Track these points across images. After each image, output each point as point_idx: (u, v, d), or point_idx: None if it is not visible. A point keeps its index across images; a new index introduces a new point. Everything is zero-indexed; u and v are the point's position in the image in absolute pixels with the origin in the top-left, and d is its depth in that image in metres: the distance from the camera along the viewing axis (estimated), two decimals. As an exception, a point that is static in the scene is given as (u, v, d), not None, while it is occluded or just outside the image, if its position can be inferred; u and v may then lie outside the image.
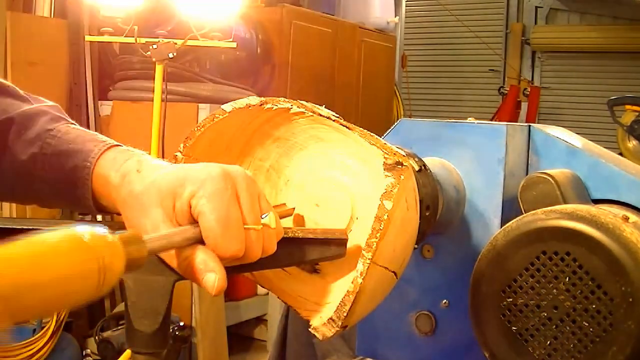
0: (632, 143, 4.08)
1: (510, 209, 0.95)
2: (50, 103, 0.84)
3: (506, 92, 6.37)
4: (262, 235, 0.63)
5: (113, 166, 0.71)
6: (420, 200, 0.76)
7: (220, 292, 0.60)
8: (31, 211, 3.28)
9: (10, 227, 0.64)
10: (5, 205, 3.32)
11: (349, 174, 0.75)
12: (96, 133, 0.79)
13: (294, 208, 0.76)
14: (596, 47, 6.56)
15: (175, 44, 2.78)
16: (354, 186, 0.74)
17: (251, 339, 3.93)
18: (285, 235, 0.66)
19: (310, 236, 0.67)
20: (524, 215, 0.84)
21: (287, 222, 0.75)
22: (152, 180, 0.65)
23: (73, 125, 0.80)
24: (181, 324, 3.03)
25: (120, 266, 0.48)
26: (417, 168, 0.85)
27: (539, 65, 7.02)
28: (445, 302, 0.99)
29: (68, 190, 0.75)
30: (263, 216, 0.63)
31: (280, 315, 1.66)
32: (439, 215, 0.91)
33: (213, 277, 0.60)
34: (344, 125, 0.71)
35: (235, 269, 0.64)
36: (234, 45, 3.00)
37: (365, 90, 4.89)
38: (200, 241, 0.61)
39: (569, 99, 6.83)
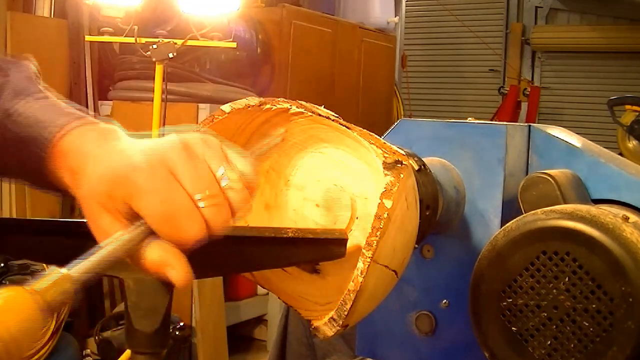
0: (632, 143, 4.08)
1: (510, 209, 0.95)
2: (23, 64, 0.77)
3: (506, 92, 6.37)
4: (222, 200, 0.57)
5: (65, 163, 0.65)
6: (420, 200, 0.76)
7: (185, 285, 0.57)
8: (31, 211, 3.28)
9: (10, 227, 0.64)
10: (6, 205, 3.32)
11: (349, 174, 0.75)
12: (55, 104, 0.71)
13: None
14: (596, 47, 6.56)
15: (175, 44, 2.78)
16: (354, 186, 0.74)
17: (251, 339, 3.93)
18: (285, 235, 0.66)
19: (311, 236, 0.67)
20: (524, 215, 0.84)
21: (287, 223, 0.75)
22: (90, 186, 0.59)
23: (35, 98, 0.72)
24: (181, 324, 3.03)
25: (28, 321, 0.47)
26: (416, 168, 0.85)
27: (539, 65, 7.02)
28: (445, 302, 0.99)
29: (36, 177, 0.70)
30: (219, 173, 0.57)
31: (280, 315, 1.66)
32: (439, 215, 0.91)
33: (174, 273, 0.56)
34: (343, 125, 0.71)
35: (235, 269, 0.64)
36: (234, 45, 2.99)
37: (365, 90, 4.89)
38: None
39: (569, 99, 6.83)
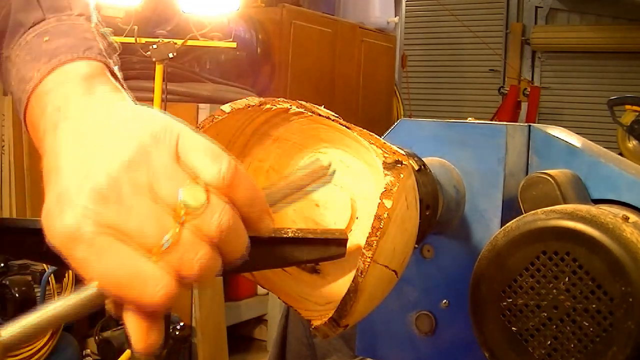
0: (632, 143, 4.09)
1: (510, 209, 0.95)
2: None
3: (506, 92, 6.37)
4: (190, 243, 0.45)
5: (37, 143, 0.56)
6: (420, 200, 0.76)
7: (148, 353, 0.47)
8: (31, 211, 3.28)
9: (10, 227, 0.64)
10: (6, 205, 3.32)
11: (349, 174, 0.75)
12: (44, 40, 0.61)
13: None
14: (596, 47, 6.57)
15: (175, 44, 2.78)
16: (354, 186, 0.74)
17: (251, 339, 3.93)
18: (285, 235, 0.66)
19: (310, 236, 0.67)
20: (524, 215, 0.84)
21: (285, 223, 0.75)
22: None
23: (32, 34, 0.62)
24: (181, 324, 3.03)
25: None
26: (416, 168, 0.85)
27: (539, 65, 7.03)
28: (445, 302, 0.99)
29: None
30: (180, 199, 0.45)
31: (280, 315, 1.66)
32: (439, 215, 0.91)
33: (133, 341, 0.47)
34: (343, 125, 0.71)
35: (233, 270, 0.64)
36: (234, 45, 3.00)
37: (365, 90, 4.89)
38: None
39: (569, 99, 6.84)
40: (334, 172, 0.62)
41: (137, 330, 0.47)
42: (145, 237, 0.45)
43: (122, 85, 0.60)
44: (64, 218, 0.46)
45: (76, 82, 0.55)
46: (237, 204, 0.48)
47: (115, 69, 0.61)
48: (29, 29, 0.63)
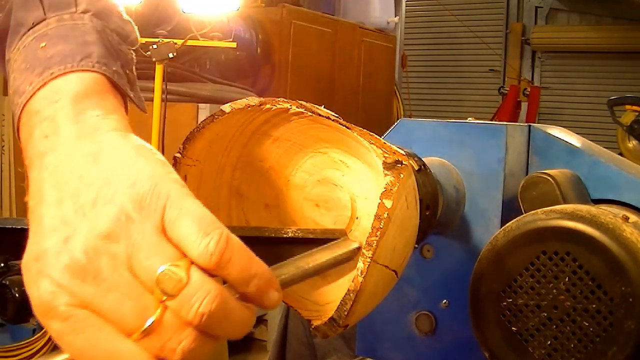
0: (632, 143, 4.09)
1: (510, 209, 0.95)
2: None
3: (506, 92, 6.37)
4: (173, 326, 0.41)
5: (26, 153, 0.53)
6: (420, 200, 0.76)
7: None
8: (31, 211, 3.28)
9: (10, 227, 0.64)
10: (6, 205, 3.32)
11: (349, 174, 0.75)
12: (42, 45, 0.56)
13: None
14: (596, 47, 6.57)
15: (175, 44, 2.78)
16: (354, 186, 0.74)
17: (251, 339, 3.93)
18: (285, 235, 0.66)
19: (310, 236, 0.67)
20: (524, 215, 0.84)
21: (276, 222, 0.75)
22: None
23: (37, 36, 0.58)
24: (181, 324, 3.03)
25: None
26: (416, 168, 0.85)
27: (539, 65, 7.03)
28: (445, 302, 0.99)
29: None
30: (159, 272, 0.41)
31: (280, 315, 1.66)
32: (439, 215, 0.91)
33: None
34: (343, 125, 0.71)
35: None
36: (234, 45, 3.00)
37: (365, 90, 4.89)
38: None
39: (569, 99, 6.84)
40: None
41: None
42: (123, 318, 0.41)
43: (123, 97, 0.57)
44: (40, 286, 0.43)
45: (65, 103, 0.51)
46: (231, 281, 0.43)
47: (117, 76, 0.57)
48: (28, 30, 0.59)
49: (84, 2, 0.60)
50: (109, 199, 0.44)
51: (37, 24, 0.59)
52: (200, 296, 0.41)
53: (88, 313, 0.42)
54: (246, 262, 0.44)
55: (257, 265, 0.45)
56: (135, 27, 0.64)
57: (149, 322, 0.41)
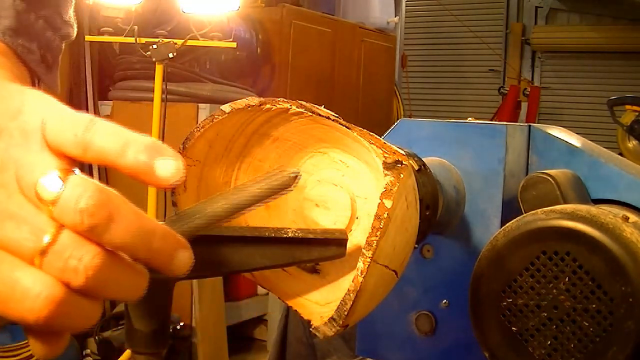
0: (632, 143, 4.09)
1: (510, 209, 0.95)
2: None
3: (506, 92, 6.37)
4: (68, 243, 0.38)
5: None
6: (420, 200, 0.76)
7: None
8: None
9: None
10: None
11: (349, 174, 0.75)
12: None
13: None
14: (596, 47, 6.57)
15: (175, 44, 2.78)
16: (354, 186, 0.74)
17: (251, 339, 3.93)
18: (285, 235, 0.66)
19: (310, 236, 0.67)
20: (524, 215, 0.84)
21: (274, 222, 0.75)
22: None
23: None
24: (181, 324, 3.04)
25: None
26: (416, 168, 0.85)
27: (539, 65, 7.03)
28: (445, 302, 0.99)
29: None
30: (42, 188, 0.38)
31: (280, 315, 1.66)
32: (439, 215, 0.91)
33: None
34: (343, 125, 0.71)
35: (234, 270, 0.64)
36: (234, 45, 3.00)
37: (365, 90, 4.89)
38: None
39: (569, 99, 6.84)
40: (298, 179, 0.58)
41: (35, 346, 0.42)
42: (21, 244, 0.39)
43: (30, 72, 0.57)
44: None
45: None
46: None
47: (23, 50, 0.57)
48: None
49: None
50: None
51: None
52: (81, 193, 0.38)
53: None
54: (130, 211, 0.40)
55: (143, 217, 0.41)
56: (75, 30, 0.66)
57: (45, 240, 0.38)
